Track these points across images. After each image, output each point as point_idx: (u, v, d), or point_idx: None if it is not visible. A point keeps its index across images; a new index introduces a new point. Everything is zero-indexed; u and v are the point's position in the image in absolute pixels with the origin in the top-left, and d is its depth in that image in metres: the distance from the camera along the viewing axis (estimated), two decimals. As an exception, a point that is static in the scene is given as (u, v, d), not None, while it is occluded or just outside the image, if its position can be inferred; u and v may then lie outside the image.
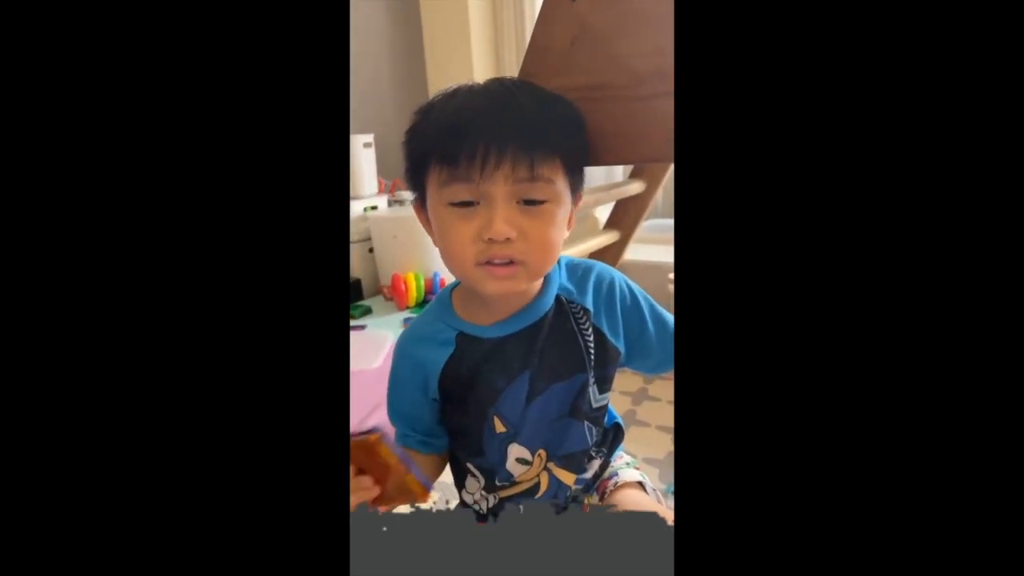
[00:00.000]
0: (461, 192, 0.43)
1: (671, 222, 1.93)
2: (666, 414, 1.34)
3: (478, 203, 0.44)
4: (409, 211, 2.03)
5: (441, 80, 2.08)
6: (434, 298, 0.56)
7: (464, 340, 0.51)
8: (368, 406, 1.08)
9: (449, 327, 0.52)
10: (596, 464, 0.56)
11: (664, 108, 0.51)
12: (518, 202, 0.44)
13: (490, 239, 0.43)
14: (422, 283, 1.98)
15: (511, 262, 0.44)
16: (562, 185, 0.45)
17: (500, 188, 0.43)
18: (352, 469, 0.43)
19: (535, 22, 0.58)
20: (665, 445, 1.22)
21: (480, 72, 2.18)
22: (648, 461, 1.16)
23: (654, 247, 1.71)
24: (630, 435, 0.64)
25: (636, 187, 0.99)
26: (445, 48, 2.24)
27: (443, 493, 0.97)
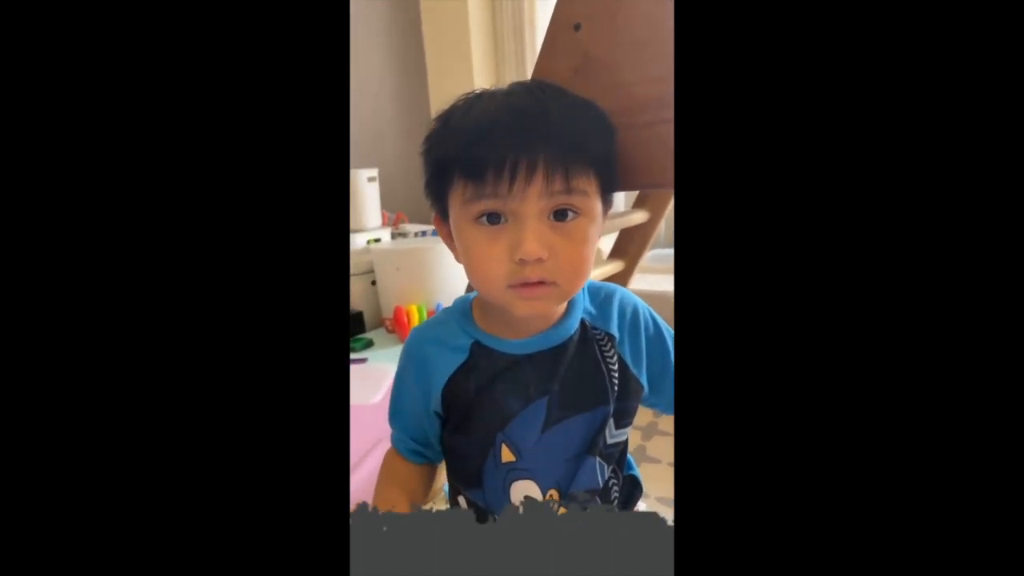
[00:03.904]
0: (488, 208, 0.41)
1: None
2: (676, 448, 1.30)
3: (507, 219, 0.41)
4: (412, 243, 2.04)
5: (444, 115, 2.11)
6: (452, 303, 0.52)
7: (479, 351, 0.48)
8: (367, 442, 1.04)
9: (465, 334, 0.49)
10: None
11: (666, 134, 0.51)
12: (548, 217, 0.41)
13: (521, 260, 0.40)
14: (425, 315, 1.96)
15: (542, 282, 0.41)
16: (596, 199, 0.43)
17: (532, 205, 0.40)
18: None
19: (538, 53, 0.58)
20: (676, 481, 1.18)
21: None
22: (661, 500, 1.12)
23: (658, 276, 1.70)
24: (640, 472, 0.61)
25: (639, 216, 0.99)
26: (448, 85, 2.29)
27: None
